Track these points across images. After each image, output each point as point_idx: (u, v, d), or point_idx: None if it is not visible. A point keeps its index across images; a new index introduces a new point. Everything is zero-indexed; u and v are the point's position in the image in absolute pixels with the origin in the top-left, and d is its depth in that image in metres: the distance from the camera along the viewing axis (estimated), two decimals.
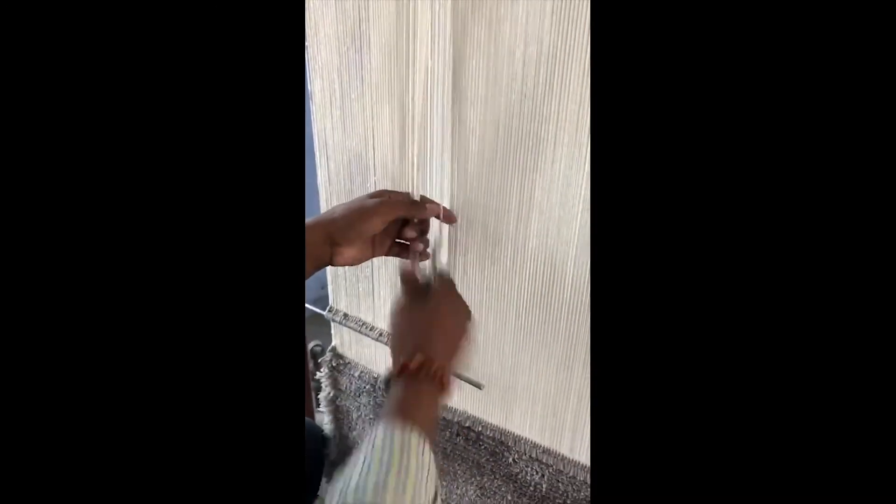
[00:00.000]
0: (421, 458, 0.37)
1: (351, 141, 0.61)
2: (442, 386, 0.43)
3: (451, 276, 0.53)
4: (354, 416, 0.82)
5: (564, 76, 0.48)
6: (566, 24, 0.46)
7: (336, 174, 0.65)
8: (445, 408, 0.44)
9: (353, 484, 0.35)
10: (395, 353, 0.46)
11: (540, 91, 0.49)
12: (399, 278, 0.52)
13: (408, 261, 0.54)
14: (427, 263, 0.55)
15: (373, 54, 0.56)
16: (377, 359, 0.75)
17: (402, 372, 0.43)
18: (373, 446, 0.37)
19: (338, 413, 0.85)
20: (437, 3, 0.49)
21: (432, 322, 0.46)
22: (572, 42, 0.46)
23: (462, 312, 0.49)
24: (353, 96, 0.59)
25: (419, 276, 0.52)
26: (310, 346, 0.99)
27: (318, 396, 0.86)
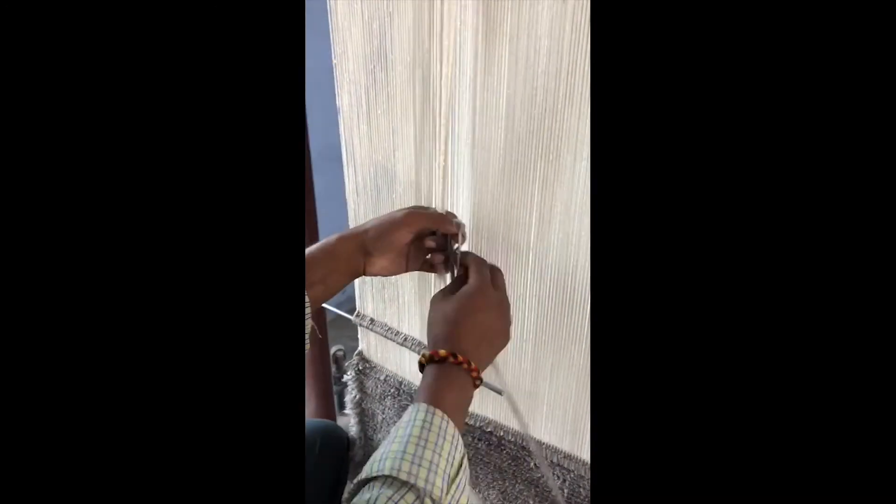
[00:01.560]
0: (442, 432, 0.41)
1: (377, 154, 0.64)
2: (470, 374, 0.45)
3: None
4: (379, 418, 0.84)
5: (585, 90, 0.49)
6: (586, 39, 0.47)
7: (363, 185, 0.67)
8: (472, 396, 0.46)
9: (377, 456, 0.39)
10: (428, 340, 0.49)
11: (560, 105, 0.50)
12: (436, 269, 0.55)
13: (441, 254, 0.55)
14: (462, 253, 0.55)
15: (397, 72, 0.58)
16: (402, 363, 0.77)
17: (430, 360, 0.45)
18: (400, 425, 0.42)
19: (363, 416, 0.87)
20: (458, 21, 0.51)
21: (463, 314, 0.47)
22: None
23: (496, 307, 0.49)
24: (378, 112, 0.61)
25: (454, 270, 0.53)
26: (332, 350, 1.01)
27: (344, 399, 0.88)
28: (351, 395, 0.86)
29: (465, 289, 0.49)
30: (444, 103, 0.55)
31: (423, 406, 0.42)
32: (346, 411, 0.89)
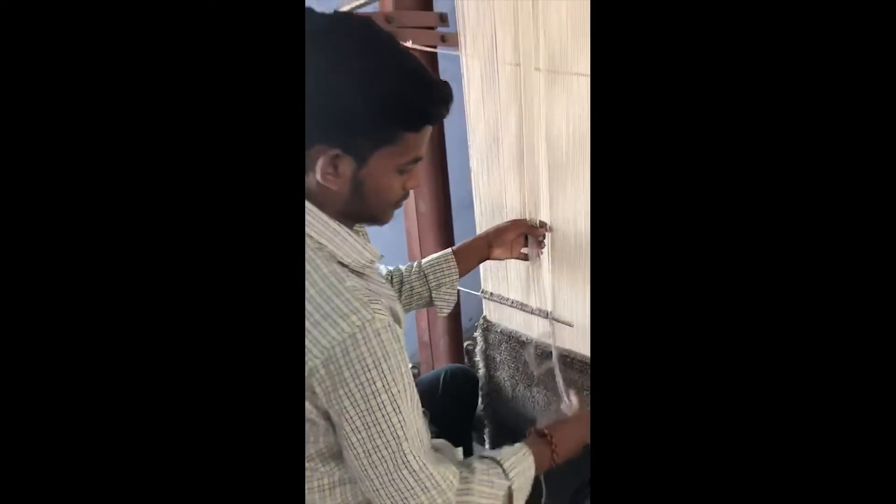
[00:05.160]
0: (527, 459, 0.76)
1: (493, 192, 1.10)
2: (553, 454, 0.80)
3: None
4: (497, 360, 1.30)
5: None
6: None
7: (485, 211, 1.14)
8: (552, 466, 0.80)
9: (503, 452, 0.77)
10: (540, 422, 0.85)
11: None
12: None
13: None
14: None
15: (505, 144, 1.04)
16: (512, 318, 1.22)
17: (536, 433, 0.82)
18: (508, 448, 0.78)
19: (487, 360, 1.33)
20: (541, 118, 0.96)
21: (569, 424, 0.87)
22: None
23: (584, 430, 0.84)
24: (494, 168, 1.08)
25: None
26: (465, 344, 1.48)
27: (475, 350, 1.34)
28: (479, 346, 1.32)
29: (576, 414, 0.91)
30: (533, 162, 1.00)
31: (525, 448, 0.78)
32: (476, 359, 1.35)
